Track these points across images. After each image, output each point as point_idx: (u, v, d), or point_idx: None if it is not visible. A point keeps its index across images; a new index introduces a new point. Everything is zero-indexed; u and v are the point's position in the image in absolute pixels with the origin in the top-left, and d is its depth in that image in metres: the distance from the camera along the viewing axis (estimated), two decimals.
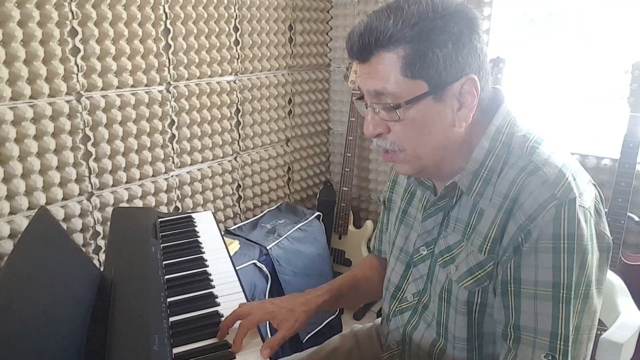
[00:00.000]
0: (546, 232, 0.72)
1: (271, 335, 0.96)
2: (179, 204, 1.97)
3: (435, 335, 0.90)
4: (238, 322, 0.95)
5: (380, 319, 1.20)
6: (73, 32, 1.51)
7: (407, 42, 0.73)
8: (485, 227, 0.79)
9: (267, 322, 1.59)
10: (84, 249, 1.67)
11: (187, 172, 1.97)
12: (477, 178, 0.81)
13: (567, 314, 0.72)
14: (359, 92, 2.32)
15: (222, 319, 0.99)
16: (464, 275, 0.82)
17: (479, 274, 0.80)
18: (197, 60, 1.90)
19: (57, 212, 1.56)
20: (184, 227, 1.38)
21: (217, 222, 1.44)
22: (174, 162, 1.91)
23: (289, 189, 2.55)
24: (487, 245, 0.79)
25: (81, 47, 1.53)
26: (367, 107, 0.82)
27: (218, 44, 1.96)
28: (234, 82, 2.08)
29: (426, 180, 0.93)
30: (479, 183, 0.81)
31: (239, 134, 2.17)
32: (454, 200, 0.85)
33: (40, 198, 1.51)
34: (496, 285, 0.79)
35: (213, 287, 1.11)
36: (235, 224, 2.18)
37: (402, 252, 0.98)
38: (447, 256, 0.86)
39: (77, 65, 1.53)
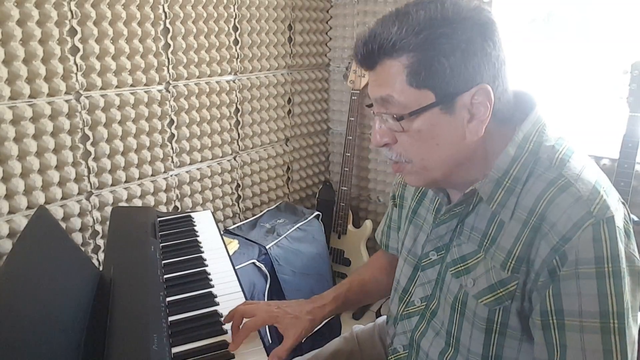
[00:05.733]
0: (586, 255, 0.66)
1: (270, 336, 0.96)
2: (178, 204, 1.97)
3: (444, 345, 0.85)
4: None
5: (380, 318, 1.19)
6: (72, 32, 1.51)
7: (411, 50, 0.70)
8: (509, 243, 0.74)
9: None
10: (83, 249, 1.67)
11: (187, 172, 1.97)
12: (499, 187, 0.75)
13: (622, 346, 0.66)
14: (358, 91, 2.33)
15: (222, 318, 0.99)
16: (483, 291, 0.77)
17: (501, 292, 0.75)
18: (196, 60, 1.89)
19: (56, 211, 1.56)
20: (183, 226, 1.38)
21: (217, 221, 1.45)
22: (173, 162, 1.91)
23: (288, 188, 2.55)
24: (511, 262, 0.74)
25: (80, 46, 1.53)
26: (374, 115, 0.79)
27: (217, 44, 1.96)
28: (233, 81, 2.08)
29: None
30: (502, 192, 0.75)
31: (238, 134, 2.17)
32: (471, 207, 0.81)
33: (39, 197, 1.51)
34: (534, 315, 0.72)
35: (212, 286, 1.11)
36: (234, 224, 2.18)
37: (409, 253, 0.95)
38: (460, 266, 0.81)
39: (76, 65, 1.53)
